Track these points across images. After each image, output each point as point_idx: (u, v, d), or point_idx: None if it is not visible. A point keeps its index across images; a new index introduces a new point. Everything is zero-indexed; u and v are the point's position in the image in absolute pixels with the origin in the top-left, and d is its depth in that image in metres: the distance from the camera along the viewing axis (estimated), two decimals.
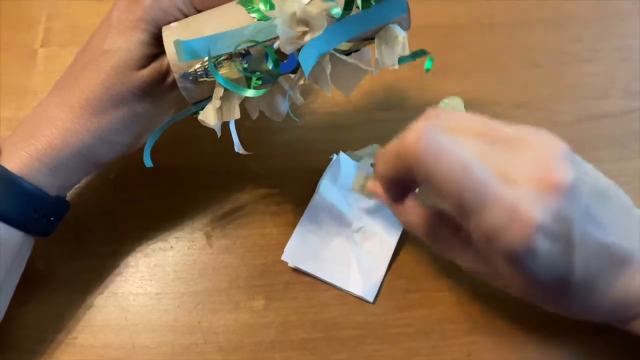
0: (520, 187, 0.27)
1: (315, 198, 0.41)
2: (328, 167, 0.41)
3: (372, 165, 0.42)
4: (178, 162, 0.44)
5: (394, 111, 0.46)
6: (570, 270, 0.28)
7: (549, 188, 0.27)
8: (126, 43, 0.34)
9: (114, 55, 0.34)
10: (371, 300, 0.38)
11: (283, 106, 0.38)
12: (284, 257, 0.39)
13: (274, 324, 0.38)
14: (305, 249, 0.40)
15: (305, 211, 0.41)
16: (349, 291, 0.39)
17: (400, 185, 0.32)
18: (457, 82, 0.48)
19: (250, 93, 0.33)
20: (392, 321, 0.38)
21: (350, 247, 0.40)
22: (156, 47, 0.35)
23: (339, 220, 0.41)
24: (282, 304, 0.38)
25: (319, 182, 0.41)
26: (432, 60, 0.37)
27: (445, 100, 0.46)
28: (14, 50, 0.50)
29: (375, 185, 0.34)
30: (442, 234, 0.33)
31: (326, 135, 0.45)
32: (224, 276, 0.40)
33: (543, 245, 0.27)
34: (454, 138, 0.28)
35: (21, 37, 0.51)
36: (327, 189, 0.41)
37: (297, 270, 0.39)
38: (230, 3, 0.34)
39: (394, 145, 0.29)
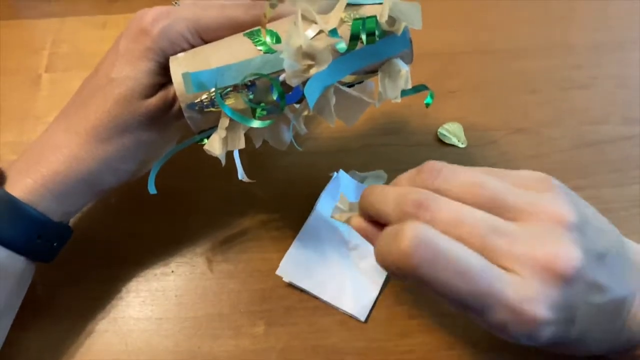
0: (523, 280, 0.26)
1: (313, 215, 0.41)
2: (327, 185, 0.42)
3: None
4: (179, 187, 0.44)
5: (394, 136, 0.47)
6: (570, 335, 0.28)
7: (553, 279, 0.26)
8: (133, 72, 0.34)
9: (122, 83, 0.34)
10: (363, 319, 0.38)
11: (287, 136, 0.38)
12: (278, 272, 0.39)
13: (275, 349, 0.38)
14: (301, 264, 0.40)
15: (303, 227, 0.41)
16: (341, 309, 0.39)
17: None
18: (456, 108, 0.48)
19: (256, 124, 0.33)
20: (393, 347, 0.38)
21: (345, 265, 0.40)
22: (163, 76, 0.35)
23: (336, 237, 0.41)
24: (283, 329, 0.38)
25: (318, 199, 0.41)
26: (432, 96, 0.37)
27: (445, 126, 0.46)
28: (19, 74, 0.51)
29: (359, 222, 0.32)
30: None
31: (328, 160, 0.45)
32: (225, 301, 0.40)
33: (547, 332, 0.26)
34: (449, 230, 0.27)
35: (26, 61, 0.52)
36: (325, 206, 0.41)
37: (298, 296, 0.39)
38: (237, 35, 0.34)
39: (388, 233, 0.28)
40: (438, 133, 0.46)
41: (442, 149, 0.46)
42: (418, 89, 0.37)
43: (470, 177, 0.28)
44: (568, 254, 0.26)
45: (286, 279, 0.40)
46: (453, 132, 0.46)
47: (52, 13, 0.55)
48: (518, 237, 0.26)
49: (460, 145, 0.46)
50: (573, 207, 0.27)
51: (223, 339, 0.38)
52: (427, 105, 0.37)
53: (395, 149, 0.46)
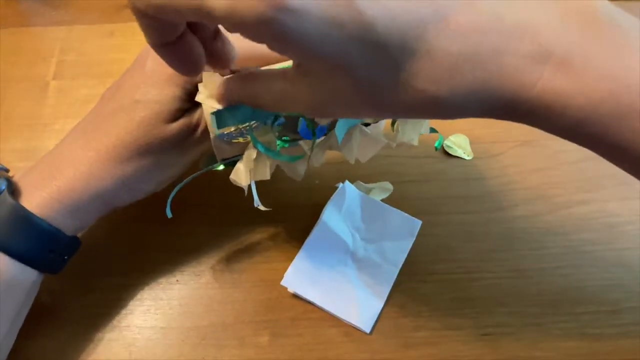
0: None
1: (319, 225, 0.41)
2: (333, 195, 0.42)
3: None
4: (184, 196, 0.44)
5: (401, 148, 0.47)
6: (363, 27, 0.21)
7: None
8: (159, 96, 0.34)
9: (146, 106, 0.34)
10: (368, 331, 0.38)
11: (302, 167, 0.39)
12: (283, 282, 0.39)
13: None
14: (306, 275, 0.40)
15: (308, 238, 0.41)
16: (345, 320, 0.39)
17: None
18: (463, 120, 0.48)
19: (285, 158, 0.34)
20: (398, 359, 0.38)
21: (350, 277, 0.40)
22: (188, 102, 0.35)
23: (341, 248, 0.41)
24: (287, 340, 0.38)
25: (324, 209, 0.41)
26: (441, 141, 0.39)
27: (451, 138, 0.46)
28: (27, 82, 0.51)
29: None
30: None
31: (333, 171, 0.45)
32: (229, 311, 0.39)
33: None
34: None
35: (34, 69, 0.52)
36: (330, 217, 0.41)
37: (303, 306, 0.39)
38: (267, 67, 0.35)
39: None
40: (444, 145, 0.46)
41: (448, 161, 0.46)
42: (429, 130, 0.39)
43: None
44: None
45: (291, 290, 0.40)
46: (459, 144, 0.46)
47: (60, 21, 0.55)
48: None
49: (466, 158, 0.46)
50: None
51: (227, 349, 0.38)
52: (436, 148, 0.41)
53: (400, 160, 0.46)
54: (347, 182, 0.42)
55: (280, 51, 0.22)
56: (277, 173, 0.45)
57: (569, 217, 0.43)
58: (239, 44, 0.31)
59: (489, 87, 0.22)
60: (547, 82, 0.21)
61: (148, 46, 0.35)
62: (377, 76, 0.22)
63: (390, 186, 0.43)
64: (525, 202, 0.44)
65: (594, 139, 0.23)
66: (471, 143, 0.47)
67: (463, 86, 0.22)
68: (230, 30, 0.22)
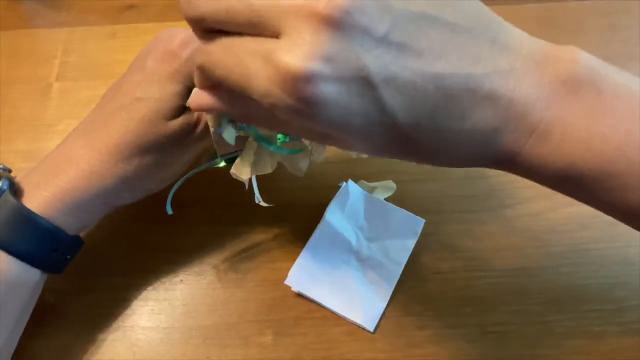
0: (288, 37, 0.22)
1: (322, 224, 0.41)
2: (336, 195, 0.42)
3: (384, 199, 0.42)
4: (187, 196, 0.44)
5: None
6: (384, 111, 0.23)
7: (317, 25, 0.22)
8: (160, 93, 0.34)
9: (147, 104, 0.34)
10: (371, 329, 0.38)
11: (304, 163, 0.39)
12: (287, 282, 0.39)
13: (283, 359, 0.38)
14: (309, 274, 0.40)
15: (312, 237, 0.41)
16: (349, 319, 0.39)
17: None
18: None
19: (286, 152, 0.34)
20: (402, 358, 0.38)
21: (353, 276, 0.40)
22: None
23: (344, 248, 0.41)
24: (291, 339, 0.38)
25: (327, 208, 0.41)
26: None
27: None
28: (30, 83, 0.51)
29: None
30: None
31: (336, 169, 0.45)
32: (233, 311, 0.39)
33: (325, 91, 0.22)
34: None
35: (37, 71, 0.52)
36: (334, 216, 0.41)
37: (306, 306, 0.39)
38: None
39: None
40: None
41: None
42: None
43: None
44: None
45: (295, 289, 0.40)
46: None
47: (62, 23, 0.55)
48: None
49: None
50: None
51: (231, 348, 0.38)
52: None
53: None
54: (350, 181, 0.42)
55: None
56: (279, 172, 0.45)
57: (572, 215, 0.43)
58: None
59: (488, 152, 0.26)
60: (530, 149, 0.25)
61: (148, 45, 0.35)
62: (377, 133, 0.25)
63: (393, 185, 0.43)
64: (528, 200, 0.44)
65: (572, 193, 0.27)
66: None
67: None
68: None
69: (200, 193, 0.44)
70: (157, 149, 0.35)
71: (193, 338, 0.38)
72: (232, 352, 0.38)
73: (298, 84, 0.22)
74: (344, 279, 0.40)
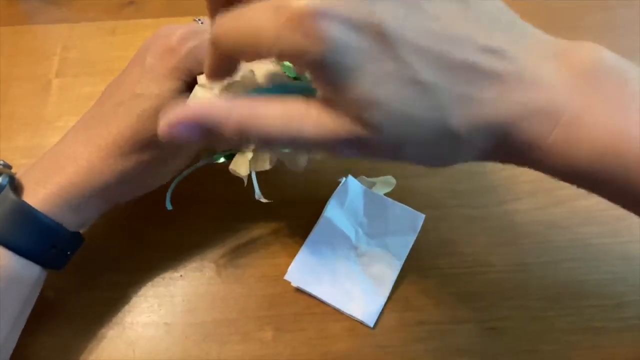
0: None
1: (322, 220, 0.41)
2: (336, 190, 0.42)
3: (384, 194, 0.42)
4: (187, 192, 0.44)
5: None
6: (399, 61, 0.22)
7: None
8: (159, 90, 0.34)
9: (146, 100, 0.34)
10: (371, 325, 0.38)
11: (303, 159, 0.39)
12: (287, 277, 0.39)
13: (283, 355, 0.38)
14: (309, 269, 0.40)
15: (311, 232, 0.41)
16: (349, 314, 0.39)
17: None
18: None
19: (286, 149, 0.33)
20: (403, 354, 0.38)
21: (353, 271, 0.40)
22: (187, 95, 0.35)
23: (344, 243, 0.41)
24: (291, 335, 0.38)
25: (326, 204, 0.41)
26: None
27: None
28: (29, 80, 0.51)
29: None
30: None
31: (335, 165, 0.45)
32: (233, 307, 0.39)
33: (336, 29, 0.21)
34: None
35: (37, 67, 0.52)
36: (333, 212, 0.41)
37: (306, 301, 0.39)
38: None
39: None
40: None
41: None
42: None
43: None
44: None
45: (294, 284, 0.40)
46: None
47: (62, 19, 0.55)
48: None
49: None
50: None
51: (231, 344, 0.38)
52: None
53: None
54: (350, 176, 0.42)
55: None
56: (279, 168, 0.45)
57: (574, 210, 0.42)
58: None
59: (507, 129, 0.24)
60: (553, 141, 0.24)
61: (147, 42, 0.35)
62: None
63: (393, 180, 0.43)
64: (529, 195, 0.44)
65: (595, 183, 0.26)
66: None
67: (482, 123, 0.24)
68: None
69: (200, 190, 0.44)
70: (156, 145, 0.35)
71: (193, 334, 0.39)
72: (232, 348, 0.38)
73: (308, 20, 0.21)
74: (344, 275, 0.40)
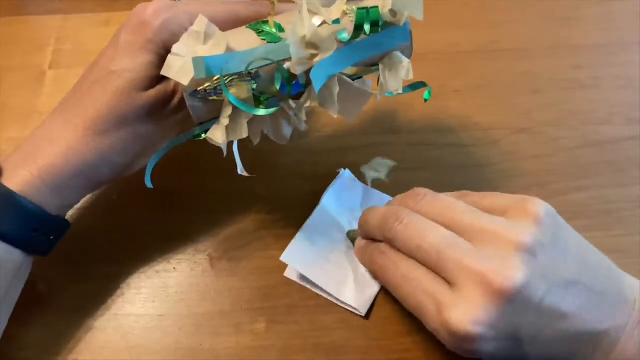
0: (461, 294, 0.29)
1: (318, 209, 0.41)
2: (334, 181, 0.42)
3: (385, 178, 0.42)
4: (181, 184, 0.44)
5: (396, 135, 0.47)
6: (523, 353, 0.30)
7: (491, 295, 0.28)
8: (133, 64, 0.34)
9: (121, 76, 0.34)
10: (363, 313, 0.38)
11: (287, 130, 0.38)
12: (282, 258, 0.39)
13: (275, 347, 0.38)
14: (305, 254, 0.40)
15: (307, 220, 0.41)
16: (341, 300, 0.39)
17: None
18: (459, 107, 0.48)
19: (261, 112, 0.33)
20: (395, 346, 0.38)
21: (348, 260, 0.40)
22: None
23: (339, 233, 0.41)
24: (284, 327, 0.38)
25: (324, 193, 0.41)
26: (430, 92, 0.37)
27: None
28: (23, 71, 0.51)
29: (358, 242, 0.39)
30: None
31: (330, 159, 0.45)
32: (226, 299, 0.40)
33: (484, 347, 0.29)
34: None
35: (30, 58, 0.52)
36: (330, 202, 0.41)
37: (299, 294, 0.39)
38: (240, 28, 0.35)
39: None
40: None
41: (445, 148, 0.46)
42: (416, 86, 0.38)
43: (447, 201, 0.34)
44: (510, 271, 0.28)
45: (291, 266, 0.40)
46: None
47: (56, 10, 0.55)
48: (471, 254, 0.30)
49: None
50: (534, 231, 0.30)
51: (224, 336, 0.38)
52: (426, 100, 0.37)
53: (397, 147, 0.46)
54: (347, 170, 0.42)
55: None
56: (273, 161, 0.45)
57: (566, 204, 0.43)
58: (215, 8, 0.35)
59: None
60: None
61: (123, 22, 0.36)
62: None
63: (390, 162, 0.44)
64: (522, 189, 0.44)
65: None
66: (468, 130, 0.47)
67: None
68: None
69: (194, 182, 0.44)
70: (133, 121, 0.34)
71: (186, 326, 0.39)
72: (225, 339, 0.38)
73: (462, 342, 0.29)
74: (338, 262, 0.40)
